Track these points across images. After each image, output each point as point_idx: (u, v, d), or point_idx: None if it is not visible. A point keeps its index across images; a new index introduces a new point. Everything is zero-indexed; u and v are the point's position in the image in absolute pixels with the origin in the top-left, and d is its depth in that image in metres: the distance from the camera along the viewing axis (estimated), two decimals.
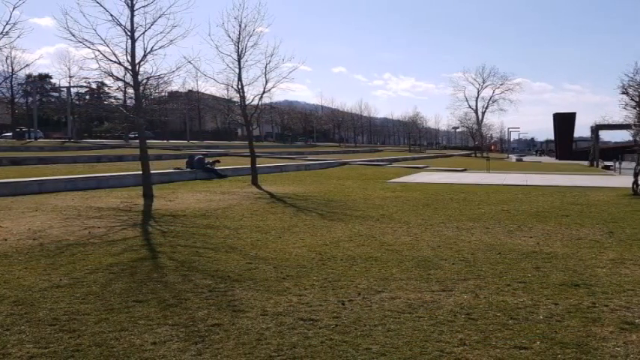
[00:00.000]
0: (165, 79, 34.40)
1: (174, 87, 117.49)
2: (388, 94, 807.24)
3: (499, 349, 8.17)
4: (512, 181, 43.43)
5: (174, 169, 40.89)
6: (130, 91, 32.59)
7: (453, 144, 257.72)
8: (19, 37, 26.75)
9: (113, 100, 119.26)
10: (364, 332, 8.79)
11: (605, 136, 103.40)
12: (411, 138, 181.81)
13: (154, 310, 9.83)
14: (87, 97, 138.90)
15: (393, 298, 10.74)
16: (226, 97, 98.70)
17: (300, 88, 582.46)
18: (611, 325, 9.15)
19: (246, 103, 37.06)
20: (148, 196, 26.97)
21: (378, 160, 72.67)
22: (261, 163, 47.91)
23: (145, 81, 28.86)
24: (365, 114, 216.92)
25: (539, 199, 29.78)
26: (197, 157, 41.78)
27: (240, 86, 35.86)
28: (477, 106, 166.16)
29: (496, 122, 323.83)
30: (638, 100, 32.36)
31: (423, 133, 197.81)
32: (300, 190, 33.85)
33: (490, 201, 28.61)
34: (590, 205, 26.92)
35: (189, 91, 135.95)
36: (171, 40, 26.98)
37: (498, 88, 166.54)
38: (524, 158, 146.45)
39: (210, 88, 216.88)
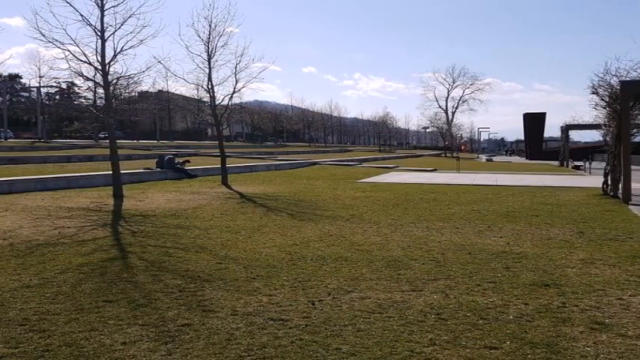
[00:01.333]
0: (136, 79, 34.15)
1: (145, 87, 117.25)
2: (358, 94, 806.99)
3: (469, 349, 8.18)
4: (482, 181, 43.61)
5: (145, 169, 40.80)
6: (100, 91, 32.43)
7: (423, 144, 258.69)
8: None
9: (83, 100, 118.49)
10: (334, 332, 8.79)
11: (575, 136, 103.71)
12: (381, 138, 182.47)
13: (124, 310, 9.79)
14: (57, 97, 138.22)
15: (363, 298, 10.75)
16: (196, 97, 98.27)
17: (270, 88, 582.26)
18: (581, 325, 9.19)
19: (217, 103, 37.04)
20: (118, 196, 26.92)
21: (348, 160, 72.84)
22: (231, 163, 47.93)
23: (115, 81, 28.75)
24: (335, 114, 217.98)
25: (509, 199, 29.91)
26: (167, 157, 41.73)
27: (210, 86, 35.85)
28: (447, 106, 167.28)
29: (466, 122, 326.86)
30: (608, 100, 32.50)
31: (393, 133, 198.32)
32: (270, 190, 33.86)
33: (460, 201, 28.72)
34: (560, 205, 27.06)
35: (160, 91, 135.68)
36: (142, 40, 26.95)
37: (468, 88, 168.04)
38: (494, 158, 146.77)
39: (180, 88, 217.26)
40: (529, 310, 10.04)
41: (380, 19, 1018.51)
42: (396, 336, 8.65)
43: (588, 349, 8.21)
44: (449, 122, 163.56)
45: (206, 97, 42.19)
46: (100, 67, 26.70)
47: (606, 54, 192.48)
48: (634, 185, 32.10)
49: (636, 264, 13.89)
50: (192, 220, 20.81)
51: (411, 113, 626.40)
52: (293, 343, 8.30)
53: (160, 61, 31.05)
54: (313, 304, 10.28)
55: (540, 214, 23.66)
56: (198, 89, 47.83)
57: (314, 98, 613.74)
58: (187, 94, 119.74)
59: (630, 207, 26.92)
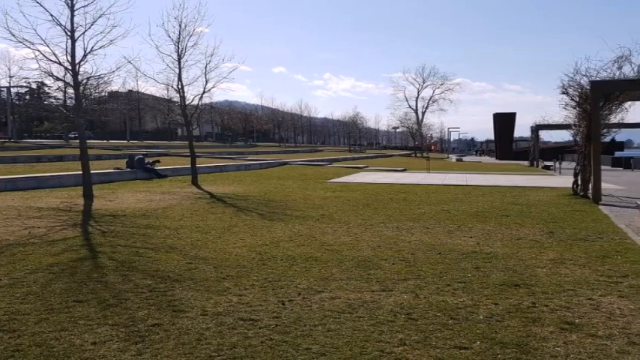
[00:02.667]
0: (106, 79, 34.08)
1: (115, 87, 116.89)
2: (328, 94, 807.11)
3: (439, 349, 8.20)
4: (452, 181, 43.66)
5: (115, 169, 40.68)
6: (70, 91, 32.38)
7: (393, 144, 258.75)
8: None
9: (53, 100, 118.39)
10: (304, 332, 8.79)
11: (545, 136, 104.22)
12: (351, 138, 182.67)
13: (94, 310, 9.76)
14: (27, 97, 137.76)
15: (333, 298, 10.75)
16: (166, 97, 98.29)
17: (240, 88, 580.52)
18: (551, 325, 9.22)
19: (186, 103, 36.98)
20: (88, 196, 26.85)
21: (318, 160, 72.86)
22: (201, 163, 47.94)
23: (85, 81, 28.61)
24: (305, 114, 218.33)
25: (479, 199, 30.01)
26: (137, 157, 41.59)
27: (180, 86, 35.79)
28: (417, 106, 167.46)
29: (436, 122, 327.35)
30: (578, 100, 32.65)
31: (363, 133, 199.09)
32: (240, 190, 33.85)
33: (430, 201, 28.78)
34: (530, 205, 27.17)
35: (130, 91, 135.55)
36: (112, 40, 26.87)
37: (438, 88, 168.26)
38: (465, 158, 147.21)
39: (150, 88, 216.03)
40: (499, 310, 10.08)
41: (350, 19, 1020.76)
42: (366, 336, 8.65)
43: (558, 349, 8.24)
44: (419, 122, 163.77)
45: (176, 97, 42.07)
46: (70, 67, 26.60)
47: (576, 54, 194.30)
48: (604, 185, 32.33)
49: (606, 264, 13.96)
50: (163, 220, 20.78)
51: (381, 113, 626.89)
52: (263, 343, 8.30)
53: (129, 61, 30.97)
54: (283, 304, 10.28)
55: (510, 214, 23.76)
56: (168, 89, 47.88)
57: (284, 98, 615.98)
58: (157, 94, 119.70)
59: (600, 207, 27.05)
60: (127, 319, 9.32)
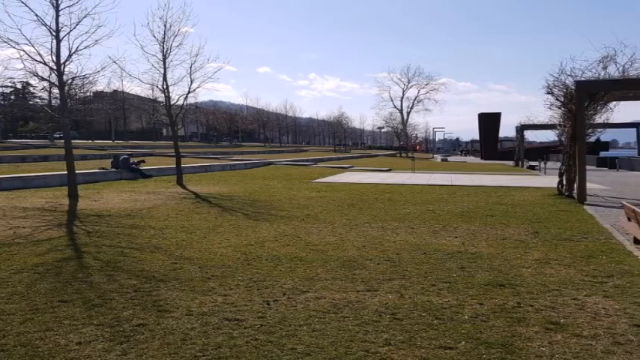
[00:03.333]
0: (91, 79, 34.06)
1: (99, 87, 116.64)
2: (313, 94, 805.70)
3: (424, 349, 8.22)
4: (437, 181, 43.74)
5: (100, 169, 40.62)
6: (55, 91, 32.20)
7: (378, 144, 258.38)
8: None
9: (38, 100, 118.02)
10: (289, 332, 8.79)
11: (530, 136, 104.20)
12: (336, 138, 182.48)
13: (79, 310, 9.75)
14: (12, 97, 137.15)
15: (318, 298, 10.76)
16: (151, 97, 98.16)
17: (225, 88, 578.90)
18: (536, 325, 9.25)
19: (172, 103, 36.90)
20: (73, 196, 26.84)
21: (303, 160, 72.86)
22: (186, 163, 47.94)
23: (70, 81, 28.55)
24: (290, 114, 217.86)
25: (465, 199, 30.05)
26: (122, 157, 41.53)
27: (165, 86, 35.72)
28: (402, 106, 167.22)
29: (421, 122, 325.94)
30: (563, 100, 32.71)
31: (348, 133, 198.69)
32: (225, 190, 33.84)
33: (415, 201, 28.81)
34: (515, 205, 27.23)
35: (115, 91, 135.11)
36: (97, 40, 26.81)
37: (423, 88, 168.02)
38: (450, 158, 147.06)
39: (135, 88, 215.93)
40: (484, 310, 10.10)
41: (334, 19, 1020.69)
42: (351, 336, 8.66)
43: (543, 349, 8.26)
44: (404, 122, 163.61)
45: (161, 97, 42.04)
46: (55, 67, 26.55)
47: (562, 54, 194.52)
48: (589, 185, 32.42)
49: (591, 264, 14.02)
50: (148, 220, 20.77)
51: (366, 113, 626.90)
52: (248, 343, 8.30)
53: (114, 61, 30.88)
54: (268, 304, 10.28)
55: (495, 214, 23.82)
56: (153, 89, 47.74)
57: (269, 98, 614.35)
58: (142, 94, 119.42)
59: (585, 207, 27.15)
60: (112, 319, 9.32)
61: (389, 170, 63.99)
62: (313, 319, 9.47)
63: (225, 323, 9.19)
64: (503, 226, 20.45)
